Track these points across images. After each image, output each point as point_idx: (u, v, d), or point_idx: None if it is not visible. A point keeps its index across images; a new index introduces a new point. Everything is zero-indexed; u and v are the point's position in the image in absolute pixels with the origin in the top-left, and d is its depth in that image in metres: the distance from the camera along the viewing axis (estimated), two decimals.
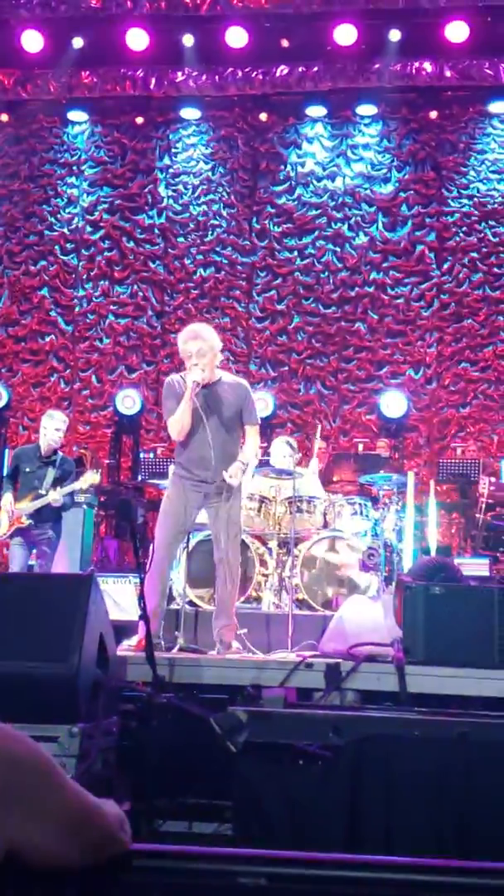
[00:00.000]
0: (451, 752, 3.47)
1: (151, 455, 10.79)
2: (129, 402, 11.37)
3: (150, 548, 5.61)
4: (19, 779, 1.37)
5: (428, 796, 3.41)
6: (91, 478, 7.60)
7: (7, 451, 11.02)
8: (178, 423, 5.66)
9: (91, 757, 3.72)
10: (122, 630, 5.38)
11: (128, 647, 5.21)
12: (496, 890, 2.02)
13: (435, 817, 3.36)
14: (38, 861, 1.45)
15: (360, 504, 7.81)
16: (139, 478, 10.04)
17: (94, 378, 12.54)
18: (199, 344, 5.63)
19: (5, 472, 8.77)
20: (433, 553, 8.92)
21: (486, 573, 8.38)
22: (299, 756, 3.53)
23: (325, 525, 7.66)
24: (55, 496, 7.35)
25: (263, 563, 7.49)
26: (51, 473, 7.51)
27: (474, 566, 8.48)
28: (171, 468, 6.07)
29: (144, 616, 4.09)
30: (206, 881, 2.02)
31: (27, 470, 7.59)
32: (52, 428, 7.62)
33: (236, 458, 5.79)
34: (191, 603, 6.98)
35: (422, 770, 3.45)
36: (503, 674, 4.44)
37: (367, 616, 5.85)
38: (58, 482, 7.49)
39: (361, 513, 7.73)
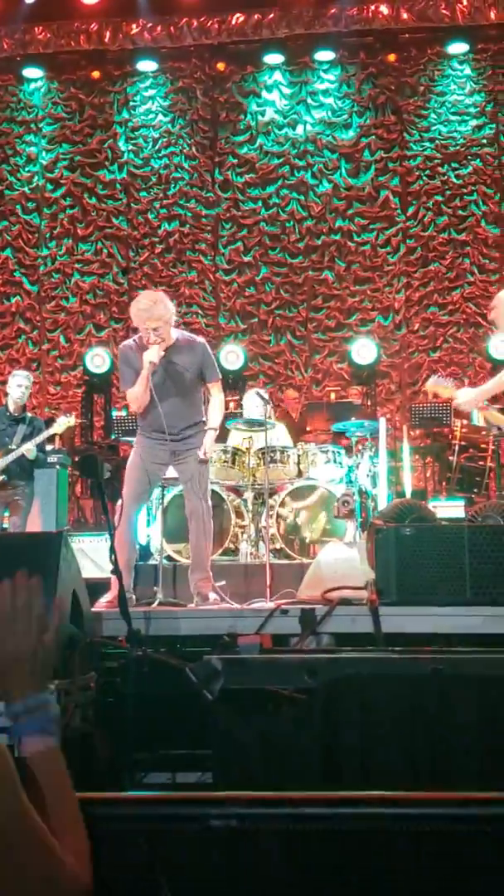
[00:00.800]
0: (425, 688, 3.51)
1: (124, 412, 10.72)
2: (98, 360, 11.28)
3: (120, 503, 5.61)
4: None
5: (402, 732, 3.46)
6: (66, 421, 7.62)
7: None
8: (136, 398, 5.62)
9: (69, 713, 3.76)
10: (100, 587, 5.40)
11: (105, 603, 5.23)
12: (468, 818, 2.07)
13: (409, 752, 3.42)
14: None
15: (333, 452, 7.83)
16: (112, 436, 10.00)
17: (62, 338, 12.45)
18: (155, 323, 5.51)
19: None
20: (408, 496, 8.97)
21: (462, 515, 8.44)
22: (274, 700, 3.57)
23: (300, 474, 7.68)
24: (29, 446, 7.38)
25: (239, 514, 7.52)
26: (21, 430, 7.54)
27: (450, 508, 8.55)
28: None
29: (116, 570, 4.09)
30: (178, 826, 2.05)
31: None
32: (15, 385, 7.66)
33: (196, 423, 5.76)
34: (168, 558, 7.01)
35: (396, 707, 3.49)
36: (475, 610, 4.48)
37: (344, 562, 5.90)
38: (27, 438, 7.53)
39: (335, 460, 7.76)
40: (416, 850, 2.12)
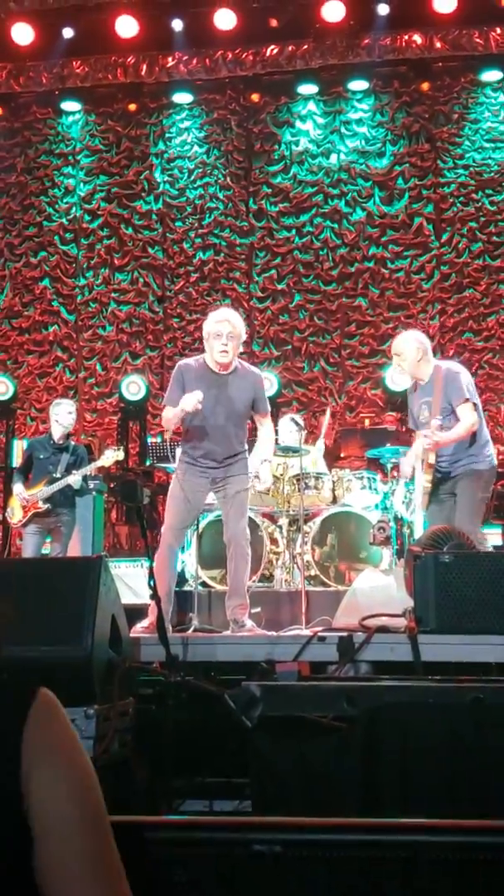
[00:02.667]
0: (465, 718, 3.49)
1: (159, 439, 10.80)
2: (134, 388, 11.39)
3: (159, 530, 5.64)
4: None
5: (443, 762, 3.43)
6: (114, 455, 7.67)
7: (15, 441, 11.07)
8: (167, 422, 5.83)
9: (108, 738, 3.77)
10: (136, 613, 5.42)
11: (141, 629, 5.24)
12: None
13: (450, 783, 3.39)
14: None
15: (368, 478, 7.82)
16: (147, 462, 10.06)
17: (98, 366, 12.56)
18: (230, 328, 5.67)
19: (14, 463, 8.84)
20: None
21: (499, 542, 8.39)
22: (313, 728, 3.55)
23: (334, 501, 7.68)
24: (77, 478, 7.42)
25: (274, 541, 7.53)
26: (65, 459, 7.59)
27: (487, 535, 8.48)
28: (179, 451, 6.11)
29: (155, 596, 4.12)
30: (222, 850, 2.05)
31: (41, 457, 7.65)
32: (65, 412, 7.72)
33: (241, 451, 5.81)
34: (203, 584, 7.03)
35: (436, 736, 3.47)
36: None
37: (381, 589, 5.89)
38: (71, 467, 7.56)
39: (370, 487, 7.75)
40: (456, 877, 2.11)
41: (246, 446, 5.93)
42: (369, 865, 2.11)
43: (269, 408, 6.05)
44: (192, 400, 5.54)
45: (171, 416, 5.67)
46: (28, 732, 1.20)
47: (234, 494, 5.77)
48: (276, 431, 8.20)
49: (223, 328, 5.67)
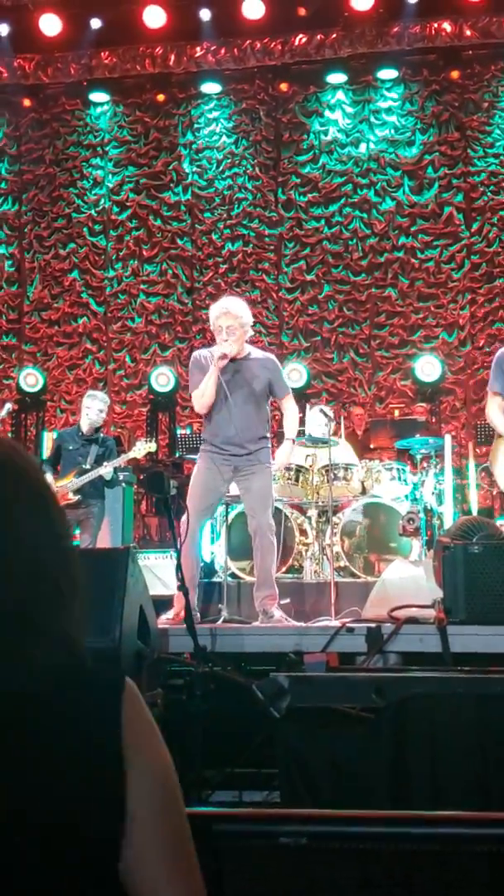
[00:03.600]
0: (494, 709, 3.47)
1: (188, 431, 10.83)
2: (163, 379, 11.41)
3: (185, 519, 5.64)
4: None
5: (472, 753, 3.42)
6: (145, 447, 7.66)
7: (45, 433, 11.13)
8: (201, 395, 5.71)
9: None
10: (165, 604, 5.43)
11: (166, 620, 5.26)
12: None
13: (479, 773, 3.37)
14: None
15: (397, 469, 7.79)
16: (177, 454, 10.08)
17: (127, 358, 12.60)
18: (230, 321, 5.67)
19: (43, 455, 8.87)
20: (474, 514, 8.87)
21: None
22: (342, 718, 3.55)
23: (364, 492, 7.65)
24: (107, 469, 7.41)
25: (303, 532, 7.51)
26: (94, 450, 7.58)
27: None
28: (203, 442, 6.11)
29: (183, 587, 4.12)
30: (248, 842, 2.04)
31: (70, 448, 7.66)
32: (96, 409, 7.69)
33: (263, 435, 5.81)
34: (232, 575, 7.03)
35: (465, 727, 3.46)
36: None
37: (410, 580, 5.86)
38: (100, 459, 7.56)
39: (400, 477, 7.71)
40: (488, 870, 2.09)
41: (269, 434, 5.91)
42: (398, 858, 2.10)
43: (289, 389, 6.05)
44: (226, 345, 5.57)
45: (201, 387, 5.66)
46: (125, 714, 1.21)
47: (258, 485, 5.76)
48: (304, 422, 8.20)
49: (222, 322, 5.69)
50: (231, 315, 5.68)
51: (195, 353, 6.02)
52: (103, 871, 1.17)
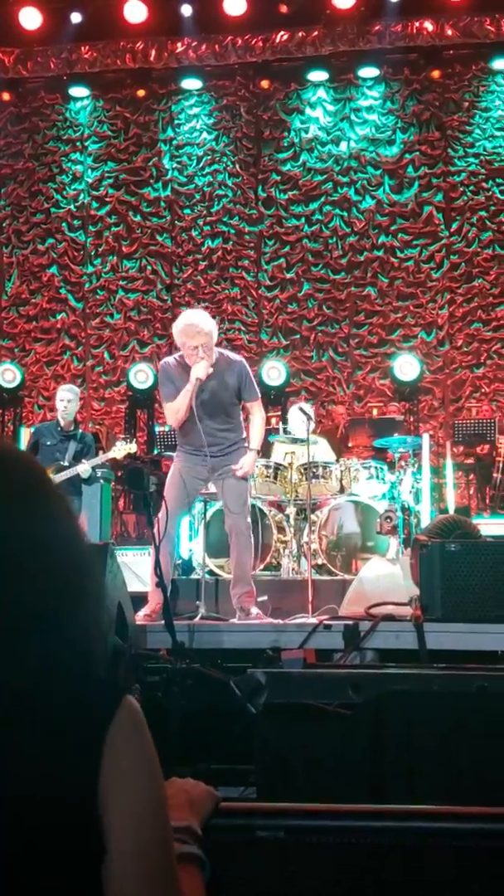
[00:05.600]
0: (470, 706, 3.49)
1: (167, 428, 10.79)
2: (142, 376, 11.38)
3: (162, 516, 5.62)
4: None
5: (448, 750, 3.43)
6: (125, 448, 7.62)
7: (23, 429, 11.08)
8: (176, 411, 5.61)
9: None
10: (143, 601, 5.43)
11: (143, 616, 5.25)
12: None
13: (455, 770, 3.39)
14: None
15: (375, 468, 7.81)
16: (155, 451, 10.06)
17: (106, 354, 12.57)
18: (203, 339, 5.52)
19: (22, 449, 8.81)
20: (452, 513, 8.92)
21: None
22: (319, 715, 3.55)
23: (342, 490, 7.67)
24: (86, 467, 7.38)
25: (281, 529, 7.52)
26: (72, 447, 7.56)
27: (493, 525, 8.48)
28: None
29: (161, 584, 4.12)
30: (225, 837, 2.04)
31: (48, 444, 7.63)
32: (64, 401, 7.67)
33: (235, 442, 5.76)
34: (210, 572, 7.03)
35: (441, 724, 3.47)
36: None
37: (387, 578, 5.88)
38: (79, 455, 7.53)
39: (378, 476, 7.74)
40: (461, 864, 2.10)
41: (243, 434, 5.87)
42: (373, 852, 2.11)
43: (258, 393, 5.92)
44: (200, 368, 5.48)
45: (178, 401, 5.60)
46: (111, 740, 1.16)
47: (234, 483, 5.75)
48: (286, 420, 8.20)
49: (196, 341, 5.53)
50: (203, 333, 5.52)
51: (163, 363, 5.88)
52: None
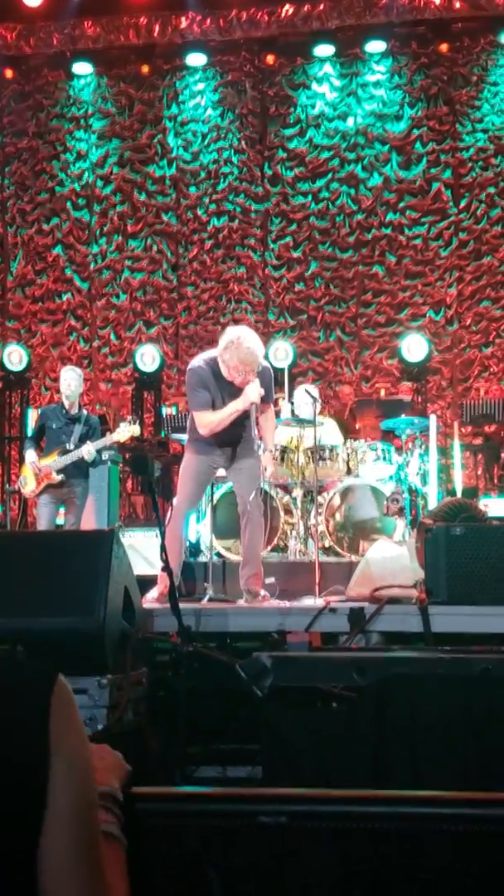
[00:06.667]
0: (475, 689, 3.49)
1: (174, 410, 10.80)
2: (148, 358, 11.36)
3: (172, 501, 5.63)
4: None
5: (453, 733, 3.44)
6: (129, 430, 7.62)
7: (30, 411, 11.08)
8: (213, 425, 5.48)
9: (121, 707, 3.80)
10: (150, 584, 5.44)
11: (151, 599, 5.27)
12: None
13: (460, 754, 3.40)
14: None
15: (382, 449, 7.80)
16: (162, 433, 10.06)
17: (112, 335, 12.54)
18: (256, 366, 5.40)
19: (29, 432, 8.83)
20: (458, 495, 8.90)
21: None
22: (324, 697, 3.57)
23: (349, 472, 7.66)
24: (89, 449, 7.39)
25: (288, 511, 7.53)
26: (78, 430, 7.57)
27: (501, 505, 8.48)
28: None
29: (167, 567, 4.13)
30: (228, 822, 2.06)
31: (53, 427, 7.64)
32: (66, 383, 7.67)
33: (249, 440, 5.67)
34: (218, 554, 7.05)
35: (446, 707, 3.48)
36: None
37: (393, 560, 5.88)
38: (84, 438, 7.54)
39: (385, 458, 7.72)
40: (460, 849, 2.11)
41: (255, 427, 5.79)
42: (377, 838, 2.12)
43: (274, 396, 5.90)
44: (254, 391, 5.35)
45: (218, 417, 5.48)
46: (53, 712, 1.22)
47: (247, 466, 5.74)
48: (292, 402, 8.18)
49: (245, 368, 5.37)
50: (257, 358, 5.40)
51: (198, 369, 5.58)
52: (20, 860, 1.18)
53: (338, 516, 7.58)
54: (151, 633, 4.50)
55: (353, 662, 3.66)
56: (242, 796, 2.12)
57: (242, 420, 5.59)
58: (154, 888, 1.85)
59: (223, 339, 5.47)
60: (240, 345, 5.40)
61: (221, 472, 6.05)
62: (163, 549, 4.21)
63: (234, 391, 5.52)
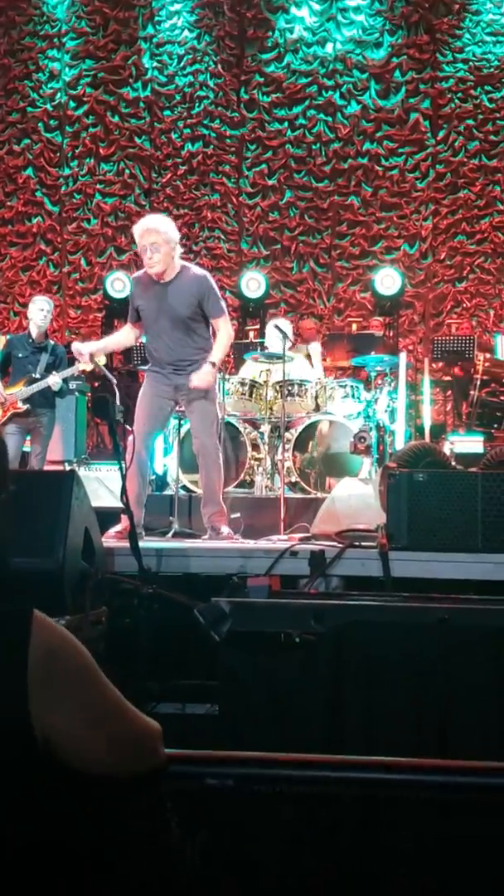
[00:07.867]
0: (431, 638, 3.53)
1: (144, 340, 10.65)
2: (118, 284, 11.18)
3: (130, 441, 5.59)
4: (56, 667, 1.43)
5: (408, 681, 3.49)
6: (96, 359, 7.53)
7: None
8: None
9: None
10: (114, 517, 5.43)
11: (114, 533, 5.27)
12: (463, 787, 2.08)
13: (414, 702, 3.45)
14: (70, 754, 1.47)
15: (351, 386, 7.78)
16: (132, 364, 9.95)
17: (83, 261, 12.33)
18: (154, 237, 5.45)
19: None
20: (426, 432, 8.94)
21: (481, 450, 8.39)
22: (281, 644, 3.60)
23: (317, 408, 7.65)
24: (56, 379, 7.33)
25: (255, 447, 7.52)
26: (44, 359, 7.49)
27: (469, 443, 8.50)
28: None
29: (128, 511, 4.12)
30: (175, 783, 2.07)
31: (19, 356, 7.55)
32: (36, 309, 7.57)
33: (198, 358, 5.66)
34: (184, 488, 7.05)
35: (402, 655, 3.52)
36: (486, 557, 4.49)
37: (359, 498, 5.90)
38: (50, 368, 7.47)
39: (353, 395, 7.71)
40: (414, 817, 2.15)
41: (207, 352, 5.74)
42: (327, 803, 2.15)
43: (223, 309, 5.76)
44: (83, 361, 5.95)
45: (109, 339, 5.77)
46: (32, 657, 1.35)
47: (199, 405, 5.71)
48: (263, 335, 8.11)
49: (144, 240, 5.48)
50: (152, 231, 5.46)
51: (133, 277, 5.91)
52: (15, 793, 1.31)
53: (305, 452, 7.59)
54: (111, 574, 4.51)
55: (311, 609, 3.69)
56: (188, 758, 2.13)
57: (183, 334, 5.59)
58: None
59: None
60: (134, 227, 5.71)
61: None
62: (123, 491, 4.20)
63: (161, 300, 5.57)
